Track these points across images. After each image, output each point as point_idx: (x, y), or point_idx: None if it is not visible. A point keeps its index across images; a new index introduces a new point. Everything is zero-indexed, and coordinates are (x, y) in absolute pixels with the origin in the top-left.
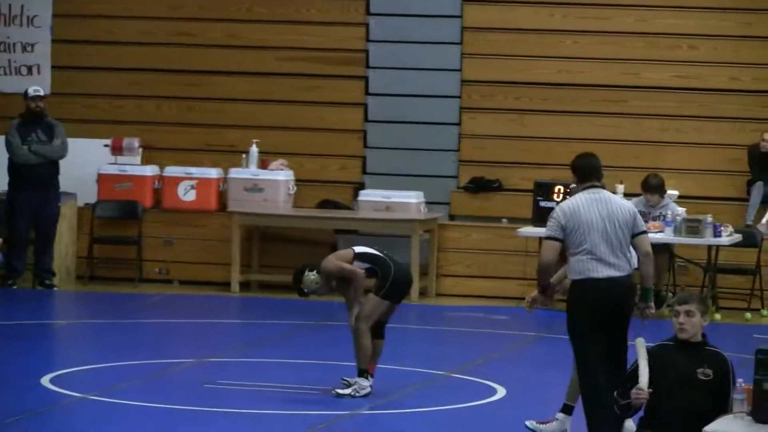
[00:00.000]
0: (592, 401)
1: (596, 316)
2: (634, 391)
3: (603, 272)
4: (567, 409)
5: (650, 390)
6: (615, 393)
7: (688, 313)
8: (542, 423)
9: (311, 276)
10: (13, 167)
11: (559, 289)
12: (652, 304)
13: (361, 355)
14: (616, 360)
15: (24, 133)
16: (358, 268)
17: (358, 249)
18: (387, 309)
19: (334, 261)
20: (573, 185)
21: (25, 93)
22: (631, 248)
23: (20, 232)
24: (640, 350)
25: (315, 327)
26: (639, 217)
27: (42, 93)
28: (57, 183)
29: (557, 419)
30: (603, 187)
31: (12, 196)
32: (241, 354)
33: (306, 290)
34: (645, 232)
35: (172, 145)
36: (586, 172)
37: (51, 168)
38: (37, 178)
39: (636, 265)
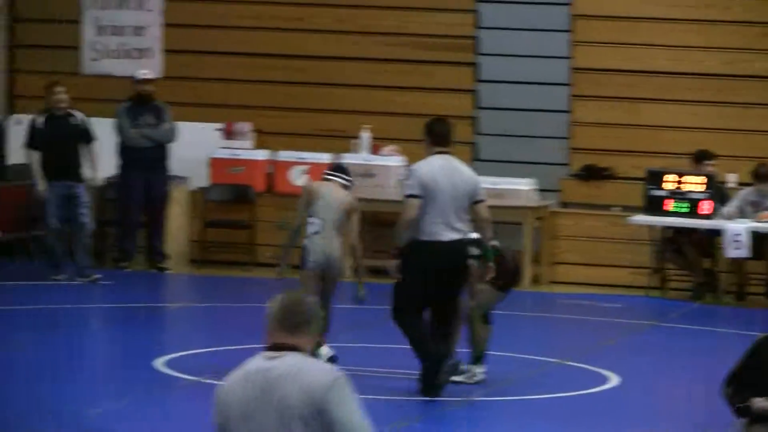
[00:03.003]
0: (417, 337)
1: (436, 274)
2: (761, 403)
3: (448, 235)
4: (476, 360)
5: None
6: (728, 390)
7: None
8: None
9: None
10: (123, 150)
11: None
12: (491, 264)
13: (475, 341)
14: (442, 314)
15: (133, 116)
16: None
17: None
18: (499, 298)
19: None
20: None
21: (133, 76)
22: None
23: (131, 214)
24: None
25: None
26: (481, 185)
27: (151, 76)
28: (166, 166)
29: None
30: (450, 153)
31: (122, 179)
32: (352, 338)
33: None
34: (484, 200)
35: (282, 130)
36: (440, 137)
37: (160, 151)
38: (147, 162)
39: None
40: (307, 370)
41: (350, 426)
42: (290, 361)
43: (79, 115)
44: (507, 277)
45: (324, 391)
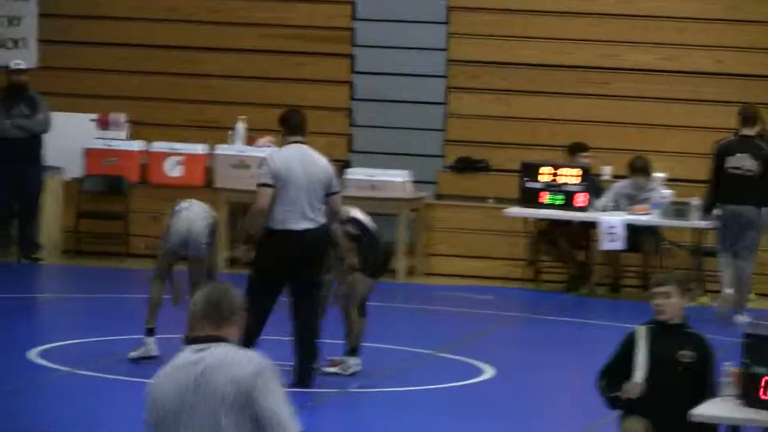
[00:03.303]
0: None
1: (288, 263)
2: (629, 384)
3: (301, 225)
4: (352, 351)
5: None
6: (602, 382)
7: (665, 295)
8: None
9: None
10: None
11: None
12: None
13: (350, 333)
14: (300, 303)
15: (6, 106)
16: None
17: (355, 213)
18: (371, 287)
19: None
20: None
21: (7, 66)
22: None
23: (2, 206)
24: (639, 342)
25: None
26: (335, 177)
27: (24, 66)
28: (40, 157)
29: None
30: (305, 143)
31: None
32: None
33: None
34: (338, 192)
35: (158, 121)
36: (295, 127)
37: (34, 142)
38: (20, 152)
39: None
40: (234, 360)
41: (276, 415)
42: (218, 352)
43: None
44: (376, 264)
45: (250, 379)
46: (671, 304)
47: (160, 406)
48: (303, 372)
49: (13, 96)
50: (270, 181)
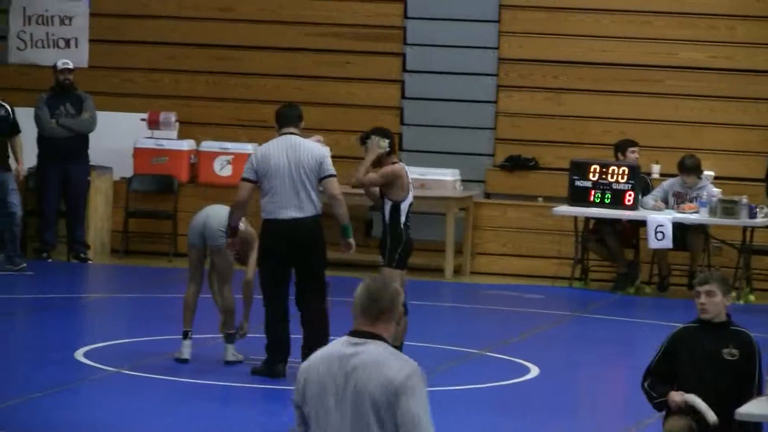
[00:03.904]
0: (270, 320)
1: (282, 251)
2: (677, 398)
3: (287, 214)
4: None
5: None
6: (646, 383)
7: (708, 294)
8: None
9: (382, 142)
10: (42, 140)
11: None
12: (351, 240)
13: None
14: (303, 294)
15: (53, 105)
16: None
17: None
18: (403, 280)
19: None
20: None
21: (54, 66)
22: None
23: (49, 204)
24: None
25: (347, 304)
26: (327, 161)
27: (71, 66)
28: (86, 156)
29: None
30: (297, 134)
31: (41, 169)
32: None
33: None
34: (332, 175)
35: (208, 120)
36: (283, 119)
37: (79, 141)
38: (66, 151)
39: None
40: (387, 362)
41: (419, 420)
42: (373, 350)
43: (5, 106)
44: (402, 255)
45: (402, 383)
46: (714, 302)
47: (307, 390)
48: (272, 367)
49: (60, 95)
50: (250, 176)
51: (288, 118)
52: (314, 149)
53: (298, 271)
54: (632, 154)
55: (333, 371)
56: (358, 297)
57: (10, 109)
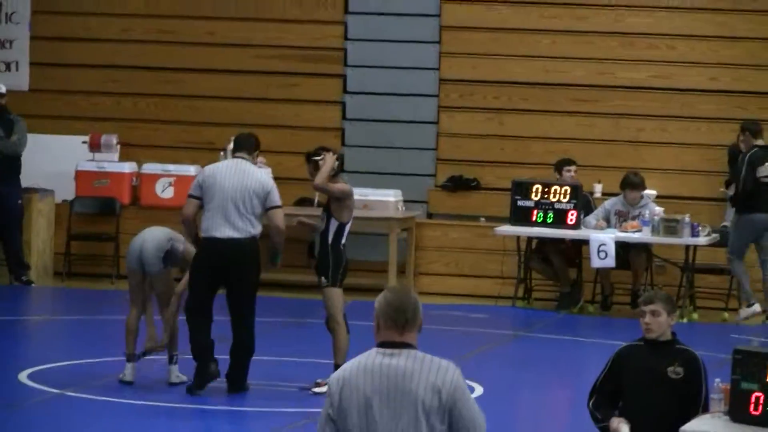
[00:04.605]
0: (192, 331)
1: (211, 268)
2: (613, 425)
3: (224, 232)
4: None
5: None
6: (591, 403)
7: (653, 313)
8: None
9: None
10: None
11: None
12: (277, 264)
13: (339, 351)
14: (237, 309)
15: None
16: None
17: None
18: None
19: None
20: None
21: None
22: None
23: None
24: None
25: (290, 324)
26: (274, 193)
27: (3, 90)
28: (16, 178)
29: None
30: (248, 160)
31: None
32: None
33: (318, 164)
34: (278, 207)
35: (149, 142)
36: (239, 144)
37: (9, 163)
38: None
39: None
40: (432, 368)
41: (474, 419)
42: (411, 357)
43: None
44: (344, 273)
45: (452, 388)
46: (659, 322)
47: (345, 404)
48: (234, 378)
49: None
50: (195, 192)
51: (241, 144)
52: (263, 178)
53: (229, 292)
54: (567, 173)
55: (374, 382)
56: (382, 309)
57: None
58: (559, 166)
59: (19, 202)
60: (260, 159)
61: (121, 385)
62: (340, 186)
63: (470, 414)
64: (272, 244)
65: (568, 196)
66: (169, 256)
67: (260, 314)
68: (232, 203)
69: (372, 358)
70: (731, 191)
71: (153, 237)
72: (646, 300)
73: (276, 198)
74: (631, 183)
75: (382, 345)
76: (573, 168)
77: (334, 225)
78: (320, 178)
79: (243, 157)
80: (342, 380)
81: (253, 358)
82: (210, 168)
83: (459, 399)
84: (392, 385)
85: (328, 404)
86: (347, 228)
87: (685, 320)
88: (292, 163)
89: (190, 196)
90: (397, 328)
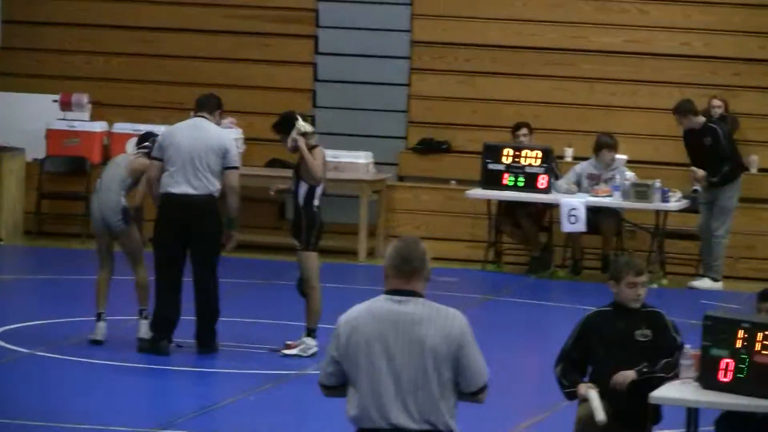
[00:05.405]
0: (158, 296)
1: (171, 225)
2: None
3: (180, 188)
4: (310, 332)
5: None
6: (558, 369)
7: (644, 284)
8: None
9: (306, 125)
10: None
11: None
12: (234, 233)
13: (312, 315)
14: (197, 268)
15: None
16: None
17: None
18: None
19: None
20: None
21: None
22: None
23: None
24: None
25: (260, 285)
26: (232, 152)
27: None
28: None
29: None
30: (208, 119)
31: None
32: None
33: (293, 133)
34: (235, 167)
35: (120, 102)
36: (200, 105)
37: None
38: None
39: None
40: (440, 316)
41: (477, 364)
42: (420, 306)
43: None
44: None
45: (460, 335)
46: (646, 292)
47: (352, 345)
48: (202, 339)
49: None
50: (156, 154)
51: (202, 103)
52: (221, 136)
53: (191, 248)
54: (524, 138)
55: (382, 326)
56: (391, 258)
57: None
58: (514, 129)
59: None
60: (230, 119)
61: (91, 344)
62: (319, 161)
63: (476, 362)
64: (227, 208)
65: (539, 160)
66: (126, 212)
67: (230, 275)
68: (189, 161)
69: (380, 303)
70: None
71: (107, 199)
72: (639, 271)
73: (233, 158)
74: (607, 144)
75: (390, 292)
76: (525, 132)
77: (303, 188)
78: (318, 169)
79: (203, 116)
80: (350, 323)
81: (223, 319)
82: (169, 128)
83: (465, 346)
84: (401, 330)
85: (333, 346)
86: (319, 190)
87: (654, 285)
88: (264, 124)
89: (152, 157)
90: (405, 276)
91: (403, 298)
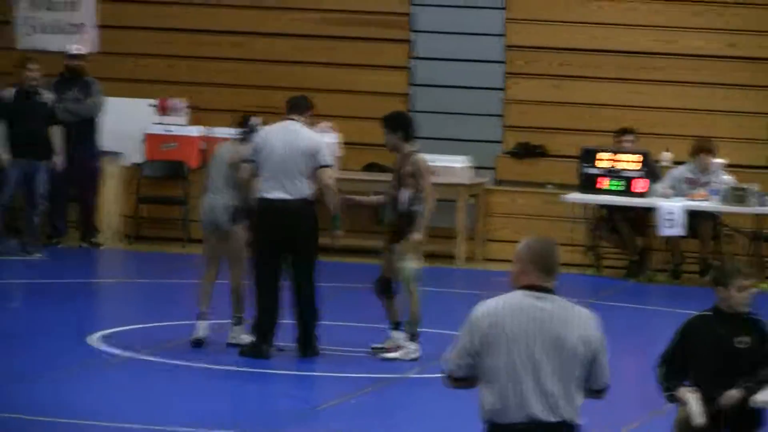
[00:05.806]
0: (259, 301)
1: (269, 230)
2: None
3: (275, 194)
4: (397, 326)
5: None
6: (660, 371)
7: (751, 288)
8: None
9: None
10: None
11: None
12: (338, 231)
13: (414, 317)
14: (296, 273)
15: (61, 91)
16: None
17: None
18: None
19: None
20: None
21: (65, 51)
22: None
23: (58, 190)
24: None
25: (358, 289)
26: (323, 151)
27: (82, 51)
28: (93, 141)
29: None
30: (298, 121)
31: None
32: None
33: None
34: (326, 165)
35: (217, 106)
36: (290, 107)
37: (85, 126)
38: (72, 136)
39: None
40: (581, 318)
41: (607, 366)
42: (558, 303)
43: (47, 95)
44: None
45: (598, 341)
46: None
47: (493, 339)
48: (303, 343)
49: (67, 80)
50: (251, 157)
51: (292, 106)
52: (312, 138)
53: (290, 253)
54: (627, 143)
55: (523, 321)
56: (530, 254)
57: (52, 99)
58: (618, 134)
59: (97, 164)
60: (326, 124)
61: (192, 348)
62: (428, 174)
63: (606, 363)
64: (328, 207)
65: (637, 164)
66: (235, 211)
67: (329, 279)
68: (281, 165)
69: (519, 298)
70: None
71: (219, 200)
72: (748, 275)
73: (325, 157)
74: (704, 148)
75: (529, 288)
76: (631, 138)
77: (406, 192)
78: (432, 195)
79: (293, 119)
80: (490, 316)
81: (323, 323)
82: (261, 132)
83: (600, 351)
84: (543, 326)
85: (468, 338)
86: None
87: (756, 290)
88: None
89: (245, 160)
90: (545, 272)
91: (542, 294)
